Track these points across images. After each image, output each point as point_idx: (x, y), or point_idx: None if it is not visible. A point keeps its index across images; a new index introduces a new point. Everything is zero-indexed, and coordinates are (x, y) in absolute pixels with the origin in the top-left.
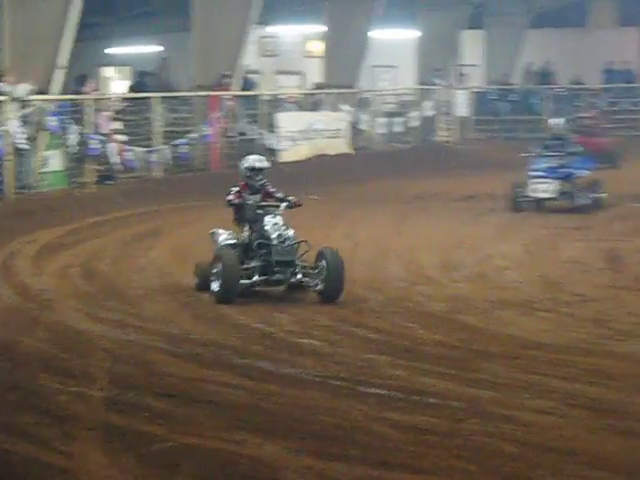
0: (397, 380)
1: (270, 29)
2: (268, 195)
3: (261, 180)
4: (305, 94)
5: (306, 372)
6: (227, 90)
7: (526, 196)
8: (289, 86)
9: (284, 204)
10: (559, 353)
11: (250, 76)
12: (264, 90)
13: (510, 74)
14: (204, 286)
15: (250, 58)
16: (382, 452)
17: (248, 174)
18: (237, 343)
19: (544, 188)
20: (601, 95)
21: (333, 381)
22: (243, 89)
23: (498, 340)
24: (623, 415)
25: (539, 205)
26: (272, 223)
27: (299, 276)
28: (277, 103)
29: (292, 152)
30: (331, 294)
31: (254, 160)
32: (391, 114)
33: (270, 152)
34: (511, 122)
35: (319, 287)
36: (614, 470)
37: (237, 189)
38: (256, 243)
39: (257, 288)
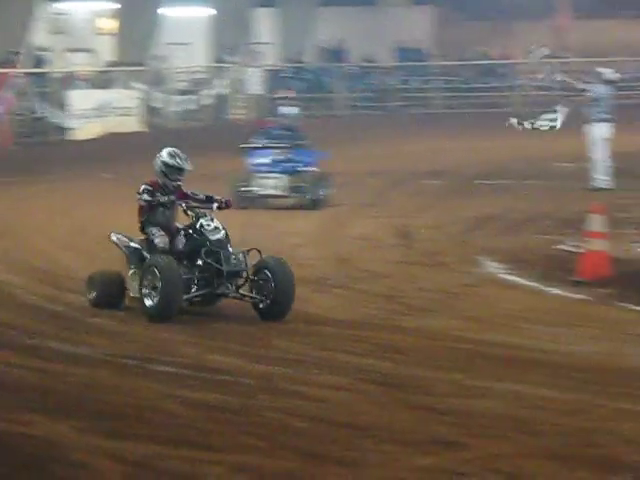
0: (188, 358)
1: (60, 6)
2: (185, 196)
3: (179, 181)
4: (97, 72)
5: (96, 351)
6: (14, 68)
7: (250, 191)
8: (80, 64)
9: (214, 204)
10: (351, 329)
11: (40, 53)
12: (55, 68)
13: (303, 52)
14: (103, 301)
15: (40, 35)
16: (171, 430)
17: (164, 170)
18: (26, 323)
19: (273, 184)
20: (393, 73)
21: (123, 360)
22: (35, 67)
23: (291, 317)
24: (412, 389)
25: (262, 202)
26: (212, 227)
27: (240, 290)
28: (68, 81)
29: (84, 130)
30: (277, 313)
31: (172, 156)
32: (185, 92)
33: (61, 130)
34: (305, 100)
35: (262, 304)
36: (404, 443)
37: (147, 187)
38: (203, 250)
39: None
